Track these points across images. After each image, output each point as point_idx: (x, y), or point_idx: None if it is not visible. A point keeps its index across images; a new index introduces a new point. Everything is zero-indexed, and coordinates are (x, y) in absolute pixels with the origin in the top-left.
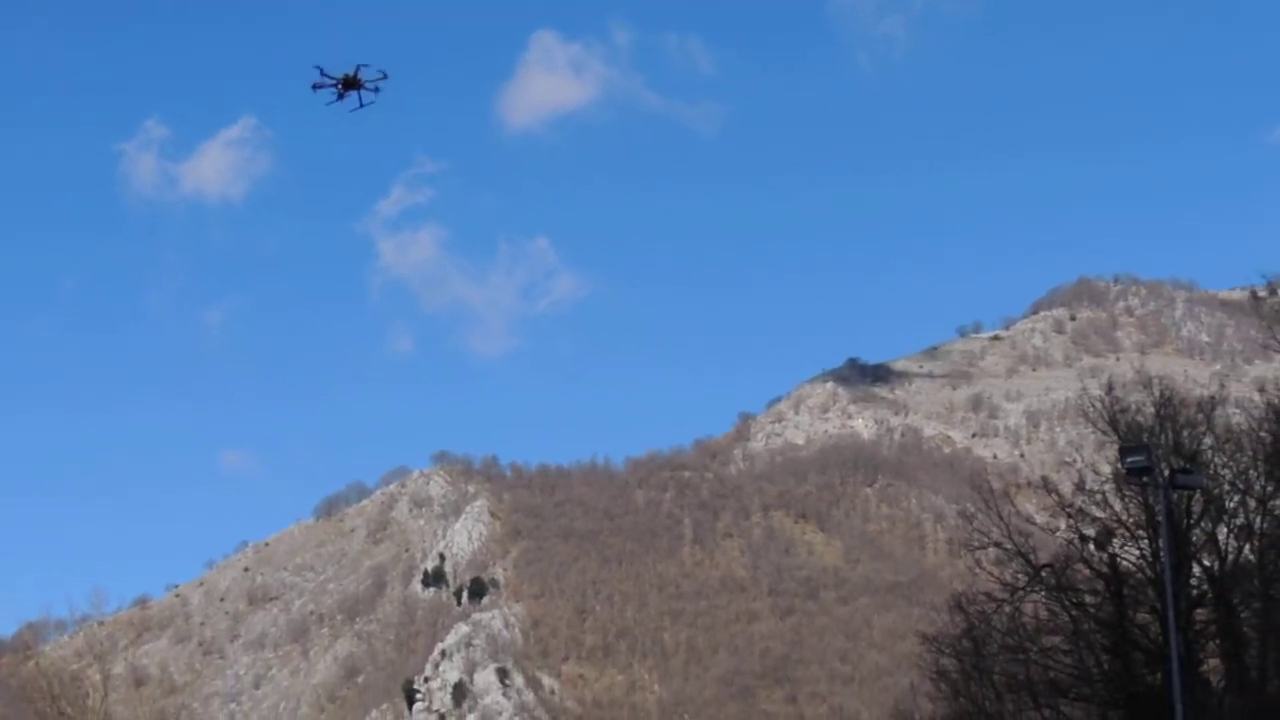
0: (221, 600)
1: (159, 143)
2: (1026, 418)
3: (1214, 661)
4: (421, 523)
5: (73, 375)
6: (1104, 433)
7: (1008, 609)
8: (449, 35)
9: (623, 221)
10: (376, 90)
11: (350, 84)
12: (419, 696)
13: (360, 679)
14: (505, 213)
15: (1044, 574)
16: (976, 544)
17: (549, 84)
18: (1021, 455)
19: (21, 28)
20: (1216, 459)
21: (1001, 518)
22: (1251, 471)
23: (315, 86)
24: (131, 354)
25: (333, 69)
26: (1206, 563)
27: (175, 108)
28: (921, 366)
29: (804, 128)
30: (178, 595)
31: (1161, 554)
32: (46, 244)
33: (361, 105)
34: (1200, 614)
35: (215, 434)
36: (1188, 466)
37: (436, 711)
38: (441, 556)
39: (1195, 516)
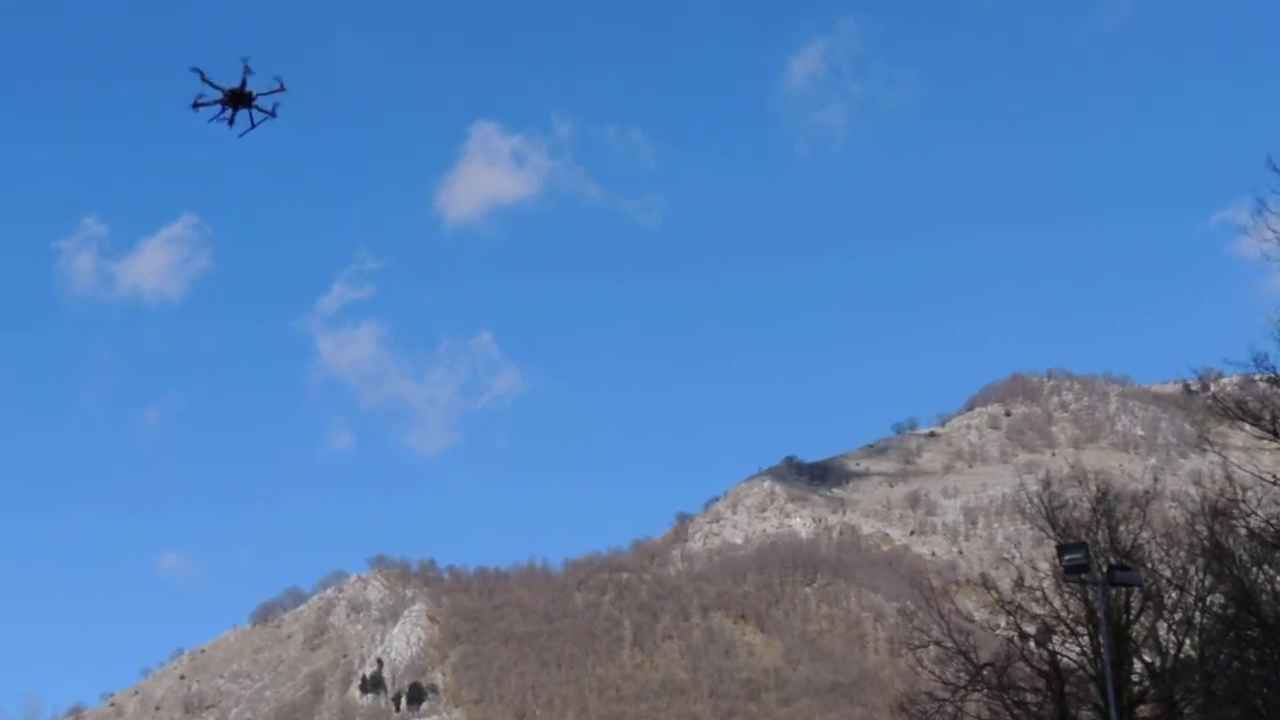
0: (157, 709)
1: (98, 240)
2: (964, 514)
3: None
4: (359, 628)
5: (6, 477)
6: (1041, 529)
7: (950, 708)
8: (389, 127)
9: (565, 316)
10: (273, 111)
11: (238, 99)
12: None
13: None
14: (446, 308)
15: (985, 672)
16: (917, 643)
17: (490, 176)
18: (960, 552)
19: None
20: (1154, 554)
21: (942, 616)
22: (1190, 566)
23: (196, 105)
24: (66, 455)
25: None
26: (1148, 659)
27: (115, 204)
28: (858, 464)
29: (743, 219)
30: (113, 704)
31: (1102, 650)
32: None
33: (253, 126)
34: (1143, 710)
35: (152, 537)
36: (1125, 562)
37: None
38: (380, 662)
39: (1135, 612)
